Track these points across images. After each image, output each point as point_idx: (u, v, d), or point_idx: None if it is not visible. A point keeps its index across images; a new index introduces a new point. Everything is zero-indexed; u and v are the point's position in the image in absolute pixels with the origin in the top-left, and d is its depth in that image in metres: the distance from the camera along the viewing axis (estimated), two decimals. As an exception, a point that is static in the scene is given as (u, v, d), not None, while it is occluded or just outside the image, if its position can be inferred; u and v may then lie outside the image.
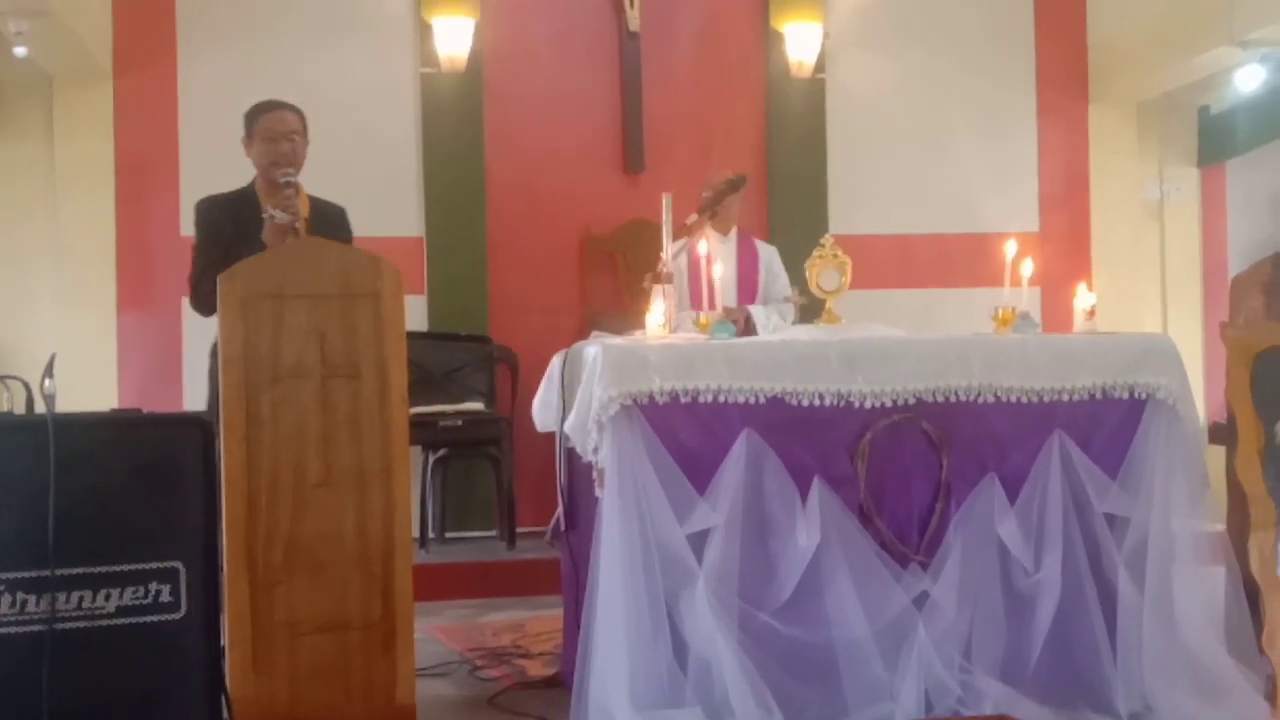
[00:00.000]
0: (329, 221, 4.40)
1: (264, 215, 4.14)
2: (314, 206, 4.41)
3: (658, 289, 3.97)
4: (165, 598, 3.23)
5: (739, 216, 5.82)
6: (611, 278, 7.00)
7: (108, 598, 3.16)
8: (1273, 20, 6.00)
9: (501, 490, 6.42)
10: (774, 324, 5.63)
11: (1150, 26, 6.94)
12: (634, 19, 6.98)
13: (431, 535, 6.36)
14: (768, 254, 5.88)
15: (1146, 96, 7.47)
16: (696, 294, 4.34)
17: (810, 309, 4.96)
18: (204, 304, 4.39)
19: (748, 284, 5.74)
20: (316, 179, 4.58)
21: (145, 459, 3.24)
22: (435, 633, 5.00)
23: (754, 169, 6.70)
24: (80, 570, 3.14)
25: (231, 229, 4.24)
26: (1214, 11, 6.25)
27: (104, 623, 3.16)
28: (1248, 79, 6.56)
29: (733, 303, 5.64)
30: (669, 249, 4.22)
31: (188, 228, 6.58)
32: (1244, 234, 7.45)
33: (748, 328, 5.46)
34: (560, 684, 4.08)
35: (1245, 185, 7.52)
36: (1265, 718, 3.58)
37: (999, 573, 3.68)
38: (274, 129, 4.36)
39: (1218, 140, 7.58)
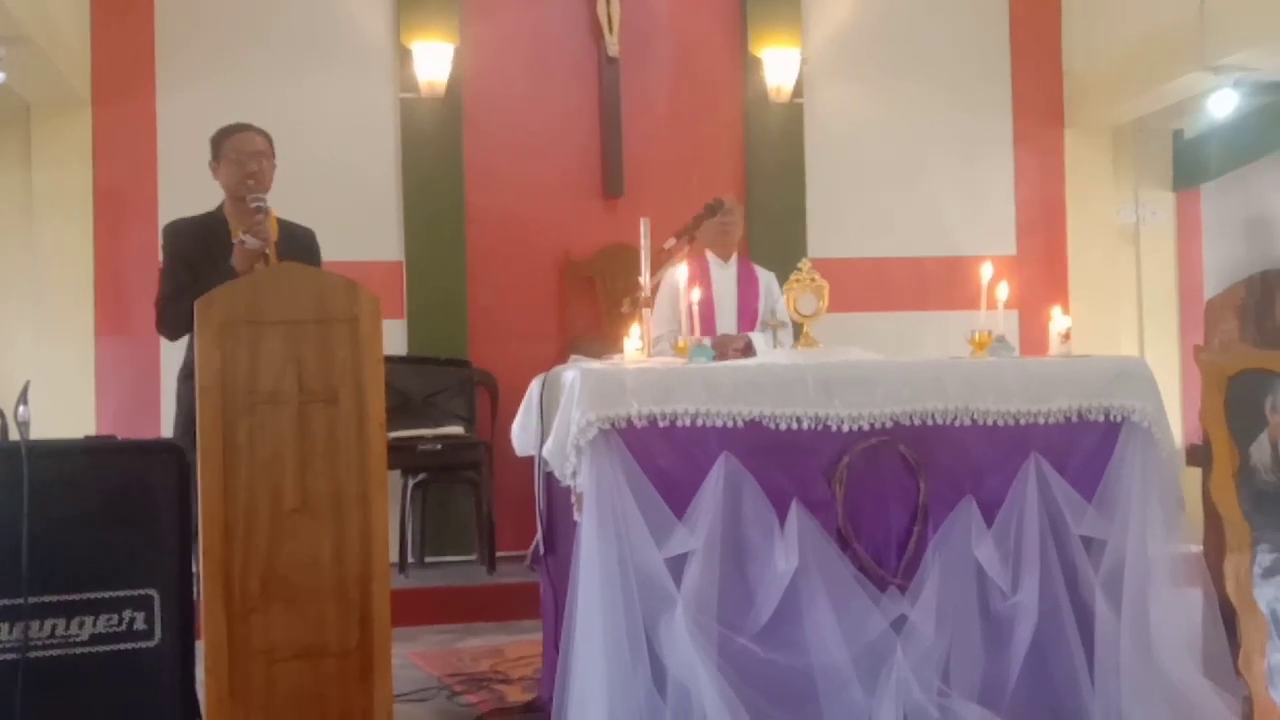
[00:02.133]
0: (298, 244, 4.39)
1: (235, 240, 4.13)
2: (283, 229, 4.40)
3: (647, 313, 3.97)
4: (140, 625, 3.22)
5: (739, 243, 5.82)
6: (591, 302, 7.01)
7: (81, 626, 3.15)
8: (1244, 45, 6.07)
9: (481, 514, 6.41)
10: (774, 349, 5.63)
11: (1123, 53, 7.01)
12: (613, 45, 7.02)
13: (410, 560, 6.35)
14: (766, 280, 5.86)
15: (1121, 122, 7.54)
16: (689, 318, 4.35)
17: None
18: (169, 328, 4.38)
19: (748, 310, 5.70)
20: (297, 204, 4.58)
21: (119, 486, 3.24)
22: (413, 658, 4.98)
23: (733, 193, 6.71)
24: (54, 598, 3.13)
25: (199, 253, 4.23)
26: (1186, 37, 6.32)
27: (78, 651, 3.15)
28: (1221, 104, 6.61)
29: (733, 328, 5.63)
30: (647, 274, 4.22)
31: (165, 254, 6.65)
32: (1219, 257, 7.51)
33: (748, 353, 5.45)
34: (539, 709, 4.07)
35: (1220, 209, 7.59)
36: (1242, 740, 3.59)
37: (976, 596, 3.68)
38: (241, 149, 4.36)
39: (1192, 165, 7.64)
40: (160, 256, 4.48)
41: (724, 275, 5.59)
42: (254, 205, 4.15)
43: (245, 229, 4.12)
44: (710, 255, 5.55)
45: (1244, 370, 3.86)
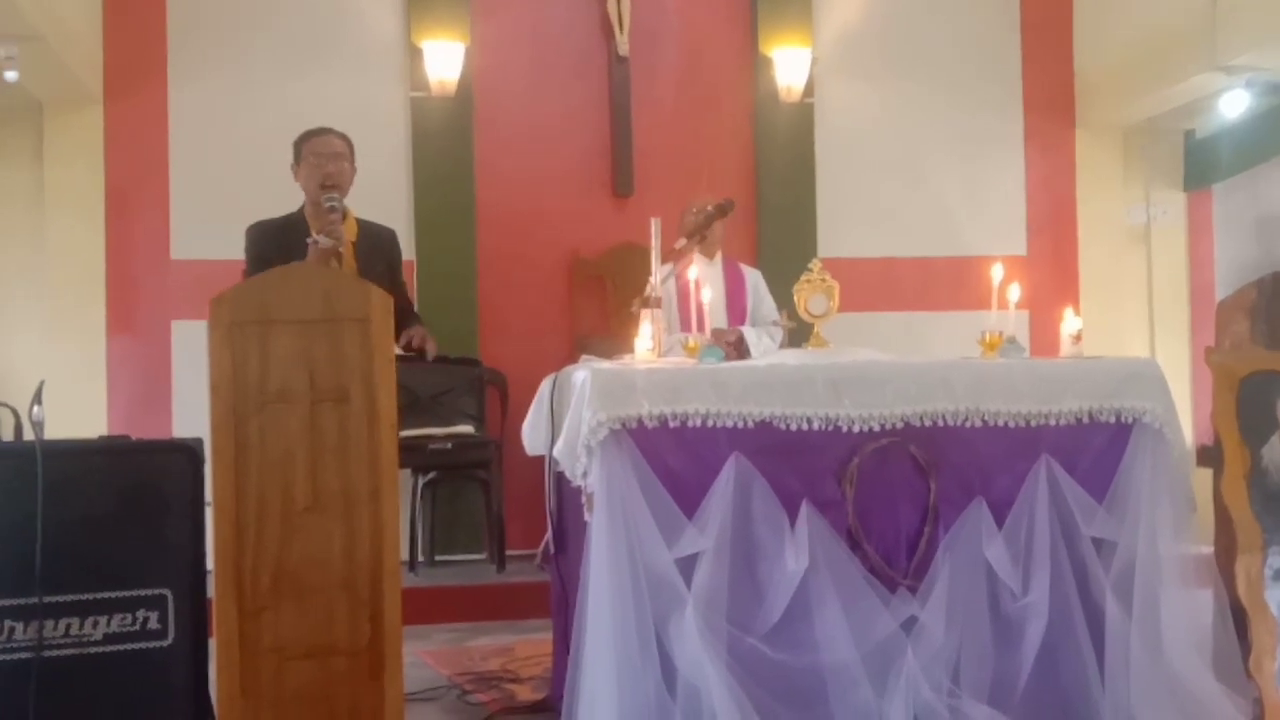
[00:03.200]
0: (378, 243, 4.43)
1: (308, 240, 4.15)
2: (362, 229, 4.44)
3: (646, 313, 3.97)
4: (153, 625, 3.23)
5: (723, 241, 5.85)
6: (600, 301, 7.01)
7: (95, 625, 3.16)
8: (1256, 45, 6.06)
9: (491, 513, 6.42)
10: (765, 345, 5.64)
11: (1135, 53, 7.00)
12: (623, 44, 7.02)
13: (420, 558, 6.35)
14: (753, 278, 5.92)
15: (1132, 121, 7.52)
16: (686, 318, 4.35)
17: (798, 333, 4.97)
18: None
19: (736, 307, 5.76)
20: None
21: (133, 486, 3.25)
22: (423, 657, 4.99)
23: (742, 193, 6.73)
24: (68, 598, 3.14)
25: (279, 253, 4.24)
26: (1197, 37, 6.30)
27: (91, 650, 3.16)
28: (1232, 104, 6.60)
29: (723, 326, 5.65)
30: (656, 274, 4.23)
31: (178, 252, 6.68)
32: (1230, 258, 7.49)
33: (740, 348, 5.47)
34: (549, 708, 4.08)
35: (1231, 209, 7.57)
36: (1252, 742, 3.59)
37: (987, 597, 3.68)
38: (320, 152, 4.40)
39: (1203, 165, 7.62)
40: (242, 257, 4.49)
41: (709, 274, 5.60)
42: (328, 206, 4.17)
43: (319, 229, 4.14)
44: (696, 254, 5.57)
45: (1255, 371, 3.86)
